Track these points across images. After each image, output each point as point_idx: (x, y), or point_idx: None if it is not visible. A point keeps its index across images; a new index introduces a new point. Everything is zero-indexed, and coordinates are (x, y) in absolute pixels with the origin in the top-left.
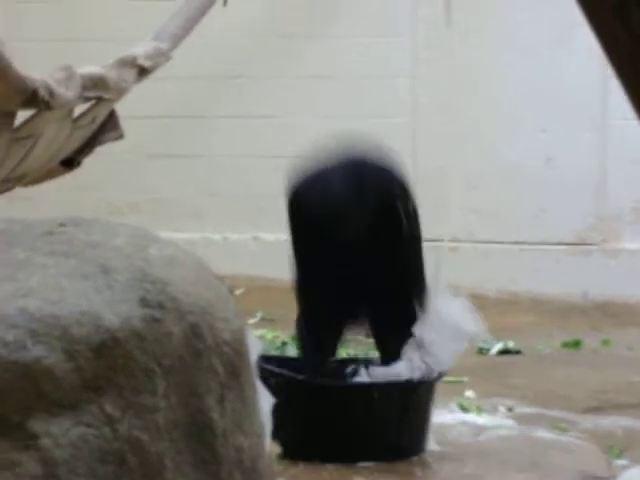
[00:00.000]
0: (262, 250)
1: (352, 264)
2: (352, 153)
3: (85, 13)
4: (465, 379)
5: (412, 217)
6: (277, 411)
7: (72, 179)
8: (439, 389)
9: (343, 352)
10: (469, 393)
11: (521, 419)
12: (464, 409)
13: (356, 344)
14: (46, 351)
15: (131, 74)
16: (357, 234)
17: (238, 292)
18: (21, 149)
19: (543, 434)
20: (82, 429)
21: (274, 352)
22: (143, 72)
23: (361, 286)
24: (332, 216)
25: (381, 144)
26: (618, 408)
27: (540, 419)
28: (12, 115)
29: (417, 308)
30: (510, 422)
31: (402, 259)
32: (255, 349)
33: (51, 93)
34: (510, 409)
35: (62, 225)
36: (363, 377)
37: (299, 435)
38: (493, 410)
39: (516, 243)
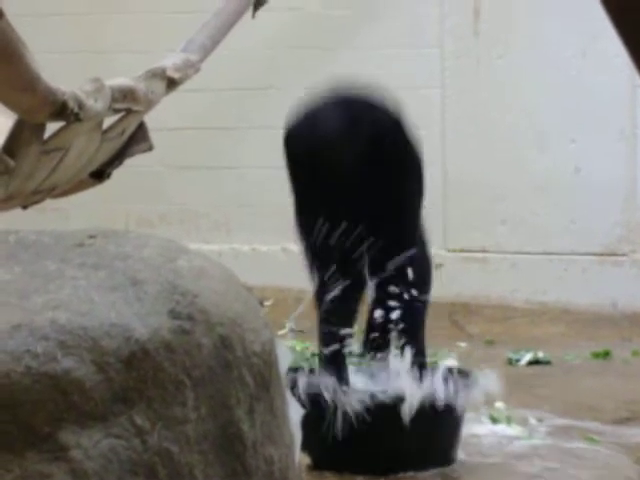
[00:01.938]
0: (291, 261)
1: (350, 198)
2: (344, 90)
3: (111, 25)
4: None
5: (408, 148)
6: (306, 422)
7: (102, 191)
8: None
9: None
10: (499, 404)
11: (551, 430)
12: (494, 420)
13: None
14: (76, 363)
15: (160, 86)
16: (352, 167)
17: (267, 303)
18: (51, 161)
19: (573, 445)
20: (112, 441)
21: (303, 363)
22: (172, 84)
23: (360, 221)
24: (326, 150)
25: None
26: None
27: (570, 430)
28: (41, 127)
29: (414, 240)
30: (540, 433)
31: (400, 191)
32: (285, 360)
33: (80, 105)
34: (540, 420)
35: (92, 237)
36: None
37: (329, 446)
38: (523, 421)
39: (545, 254)
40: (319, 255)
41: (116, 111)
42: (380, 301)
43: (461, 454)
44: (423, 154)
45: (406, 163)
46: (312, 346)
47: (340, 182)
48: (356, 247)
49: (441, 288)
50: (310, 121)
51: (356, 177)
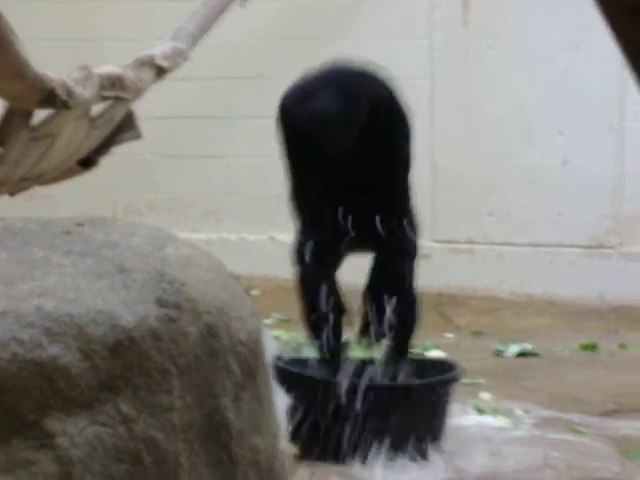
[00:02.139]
0: (279, 251)
1: (343, 170)
2: (337, 64)
3: (100, 13)
4: (481, 381)
5: (401, 116)
6: (293, 411)
7: (90, 179)
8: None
9: (361, 353)
10: (485, 395)
11: (537, 422)
12: (480, 411)
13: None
14: (62, 350)
15: (149, 74)
16: (346, 140)
17: (254, 293)
18: (38, 148)
19: (559, 437)
20: (97, 428)
21: (290, 353)
22: (161, 72)
23: (354, 195)
24: (320, 123)
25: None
26: (635, 411)
27: (556, 422)
28: (29, 114)
29: (407, 211)
30: (526, 425)
31: (394, 163)
32: (271, 349)
33: (69, 92)
34: (526, 411)
35: (79, 225)
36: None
37: (314, 435)
38: (509, 413)
39: (532, 245)
40: (314, 228)
41: (104, 99)
42: (373, 293)
43: (447, 445)
44: (413, 125)
45: (399, 130)
46: (298, 336)
47: (335, 150)
48: (347, 219)
49: (428, 279)
50: (306, 91)
51: (351, 145)
